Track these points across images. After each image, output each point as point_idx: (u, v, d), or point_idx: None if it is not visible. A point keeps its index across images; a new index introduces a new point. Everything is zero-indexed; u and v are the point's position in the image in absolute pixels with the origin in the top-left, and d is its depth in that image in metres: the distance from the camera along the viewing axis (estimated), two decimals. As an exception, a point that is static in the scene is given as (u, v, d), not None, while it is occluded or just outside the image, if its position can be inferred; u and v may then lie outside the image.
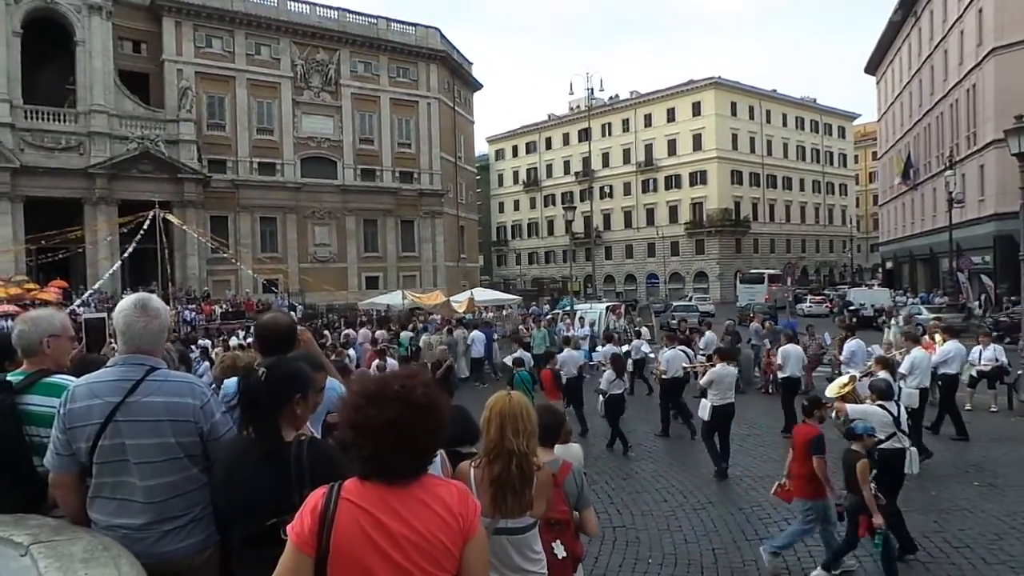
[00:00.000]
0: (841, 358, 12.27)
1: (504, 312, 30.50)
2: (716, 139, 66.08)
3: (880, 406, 6.45)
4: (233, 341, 20.02)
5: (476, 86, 59.55)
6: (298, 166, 44.22)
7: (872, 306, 33.14)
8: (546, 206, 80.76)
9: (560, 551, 3.15)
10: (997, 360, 12.32)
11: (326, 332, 23.22)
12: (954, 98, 37.39)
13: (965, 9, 35.11)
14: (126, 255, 29.15)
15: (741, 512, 7.47)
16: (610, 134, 74.03)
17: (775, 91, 74.06)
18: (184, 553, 2.55)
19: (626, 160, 73.02)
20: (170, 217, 30.64)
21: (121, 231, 31.72)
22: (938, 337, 11.95)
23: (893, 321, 18.83)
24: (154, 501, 2.51)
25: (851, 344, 12.07)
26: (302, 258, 43.77)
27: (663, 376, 12.21)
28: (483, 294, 32.38)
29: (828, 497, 5.73)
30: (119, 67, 37.46)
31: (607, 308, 26.29)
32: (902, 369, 9.68)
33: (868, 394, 6.92)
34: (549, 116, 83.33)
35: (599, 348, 17.21)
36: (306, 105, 44.66)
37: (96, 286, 29.22)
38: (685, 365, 12.51)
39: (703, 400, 9.41)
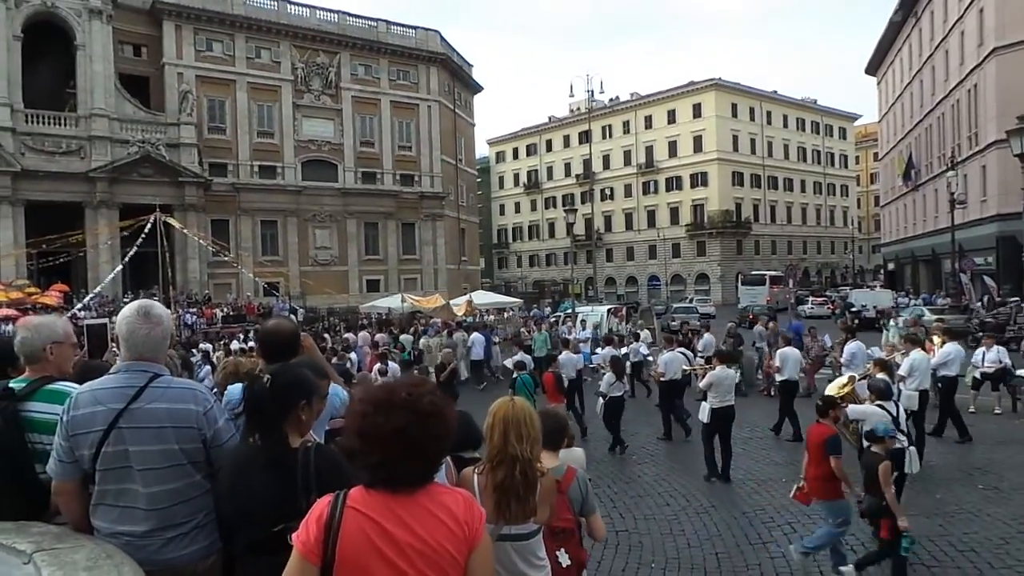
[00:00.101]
0: (841, 360, 12.25)
1: (506, 315, 30.48)
2: (717, 140, 66.11)
3: (879, 406, 6.56)
4: (234, 345, 20.00)
5: (476, 88, 59.63)
6: (299, 169, 44.28)
7: (874, 307, 33.12)
8: (547, 208, 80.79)
9: (565, 559, 3.14)
10: (1001, 362, 12.29)
11: (326, 335, 23.19)
12: (955, 98, 37.39)
13: (966, 9, 35.12)
14: (127, 259, 29.22)
15: (744, 516, 7.44)
16: (611, 136, 74.09)
17: (775, 92, 74.12)
18: (187, 560, 2.54)
19: (627, 162, 73.06)
20: (171, 221, 30.72)
21: (122, 235, 31.80)
22: (936, 339, 11.93)
23: (891, 322, 18.77)
24: (157, 508, 2.50)
25: (851, 346, 12.06)
26: (303, 261, 43.81)
27: (661, 379, 12.20)
28: (484, 297, 32.37)
29: (847, 497, 5.71)
30: (120, 71, 37.54)
31: (608, 311, 26.28)
32: (901, 371, 9.68)
33: (867, 395, 6.96)
34: (549, 118, 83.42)
35: (598, 351, 17.21)
36: (306, 108, 44.74)
37: (97, 290, 29.28)
38: (685, 367, 12.51)
39: (702, 403, 9.40)
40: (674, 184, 69.37)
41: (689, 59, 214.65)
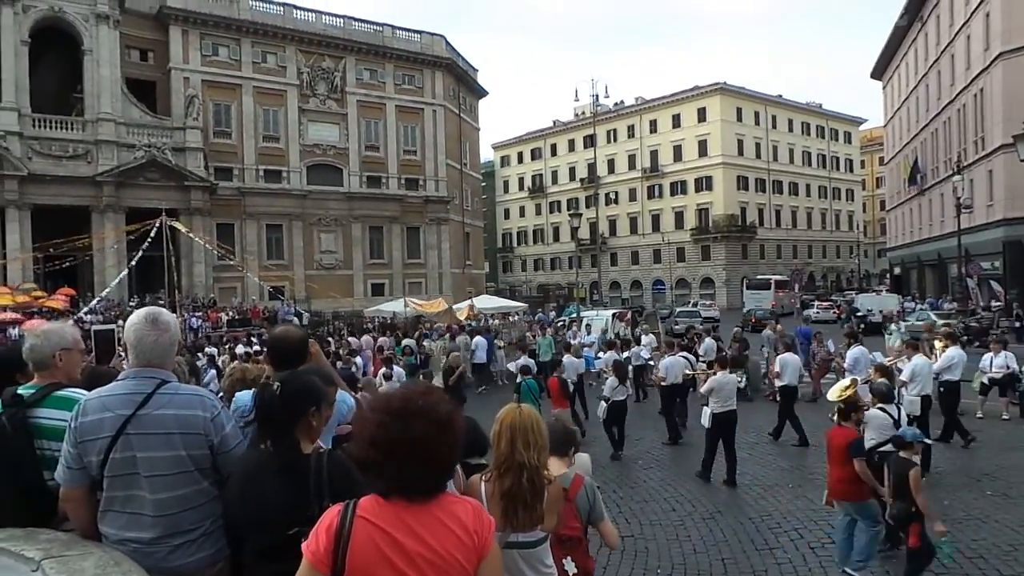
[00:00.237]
0: (845, 365, 12.24)
1: (511, 319, 30.47)
2: (722, 145, 66.04)
3: (880, 409, 6.62)
4: (239, 349, 20.04)
5: (481, 93, 59.73)
6: (304, 173, 44.40)
7: (880, 312, 33.01)
8: (551, 212, 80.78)
9: (572, 568, 3.13)
10: (1008, 367, 12.24)
11: (330, 339, 23.22)
12: (961, 103, 37.28)
13: (972, 13, 35.03)
14: (133, 262, 29.36)
15: (751, 521, 7.41)
16: (615, 140, 74.08)
17: (780, 96, 74.09)
18: (195, 567, 2.54)
19: (631, 166, 73.04)
20: (177, 225, 30.84)
21: (128, 238, 31.98)
22: (938, 344, 11.88)
23: (894, 326, 18.68)
24: (164, 514, 2.50)
25: (854, 351, 12.07)
26: (308, 265, 43.90)
27: (662, 383, 12.18)
28: (488, 301, 32.38)
29: (872, 498, 5.70)
30: (126, 75, 37.75)
31: (614, 315, 26.25)
32: (903, 377, 9.66)
33: (869, 398, 7.01)
34: (554, 122, 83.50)
35: (600, 355, 17.19)
36: (312, 113, 44.88)
37: (103, 294, 29.40)
38: (687, 371, 12.49)
39: (704, 408, 9.40)
40: (679, 188, 69.31)
41: (691, 60, 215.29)
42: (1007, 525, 6.95)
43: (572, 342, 18.01)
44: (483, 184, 68.12)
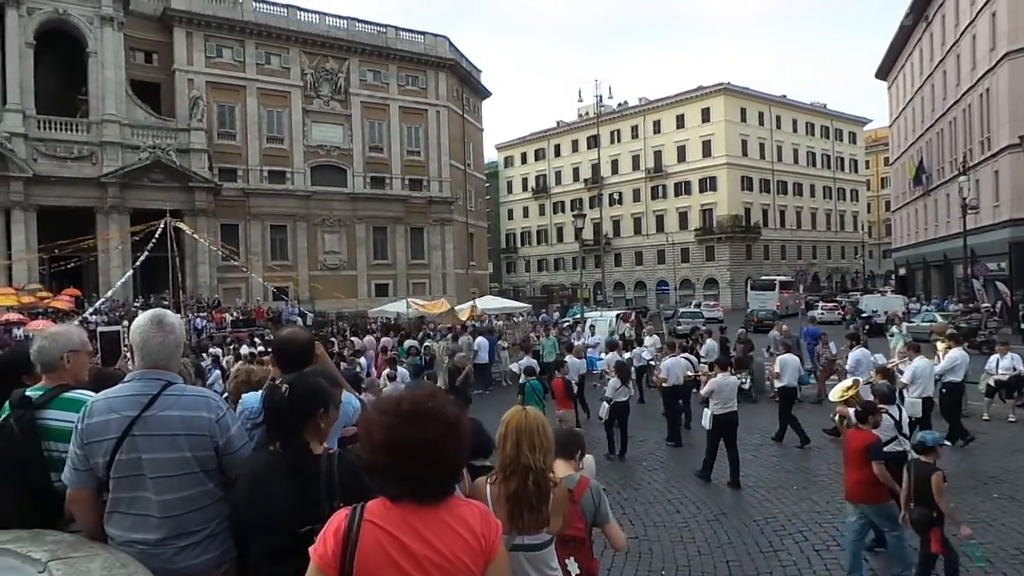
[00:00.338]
0: (847, 367, 12.24)
1: (515, 320, 30.47)
2: (726, 145, 65.94)
3: (882, 409, 6.58)
4: (244, 349, 20.06)
5: (485, 93, 59.78)
6: (308, 174, 44.50)
7: (885, 313, 32.90)
8: (555, 213, 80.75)
9: (574, 569, 3.13)
10: (1015, 369, 12.18)
11: (333, 339, 23.23)
12: (967, 103, 37.16)
13: (978, 13, 34.92)
14: (138, 263, 29.43)
15: (755, 523, 7.40)
16: (619, 140, 74.04)
17: (784, 96, 73.94)
18: (200, 568, 2.54)
19: (635, 167, 72.98)
20: (181, 225, 30.90)
21: (133, 239, 32.04)
22: (940, 345, 11.84)
23: (895, 328, 18.62)
24: (170, 516, 2.50)
25: (856, 353, 12.07)
26: (312, 266, 43.99)
27: (663, 384, 12.18)
28: (492, 302, 32.38)
29: (891, 500, 5.67)
30: (131, 77, 37.89)
31: (617, 316, 26.23)
32: (904, 379, 9.64)
33: (870, 398, 7.01)
34: (558, 123, 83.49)
35: (603, 356, 17.18)
36: (316, 114, 44.98)
37: (108, 294, 29.47)
38: (689, 372, 12.49)
39: (705, 409, 9.39)
40: (683, 189, 69.24)
41: (692, 61, 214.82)
42: (1014, 528, 6.93)
43: (575, 343, 18.00)
44: (487, 185, 68.15)
